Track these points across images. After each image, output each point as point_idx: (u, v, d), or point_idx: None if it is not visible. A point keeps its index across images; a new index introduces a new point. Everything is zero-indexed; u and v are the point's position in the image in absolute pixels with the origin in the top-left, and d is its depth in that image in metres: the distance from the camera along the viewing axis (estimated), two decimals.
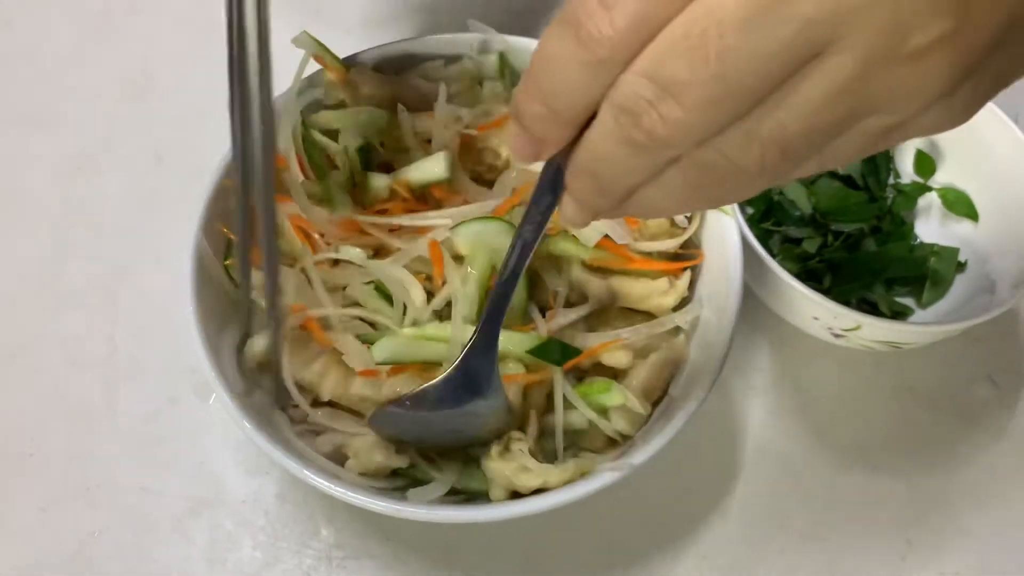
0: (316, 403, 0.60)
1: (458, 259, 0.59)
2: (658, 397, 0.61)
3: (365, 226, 0.62)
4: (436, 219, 0.61)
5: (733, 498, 0.66)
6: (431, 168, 0.63)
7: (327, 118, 0.65)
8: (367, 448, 0.56)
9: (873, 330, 0.62)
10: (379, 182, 0.63)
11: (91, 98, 0.85)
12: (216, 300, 0.61)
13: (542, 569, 0.64)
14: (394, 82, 0.68)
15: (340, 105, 0.67)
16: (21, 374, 0.71)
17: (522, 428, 0.57)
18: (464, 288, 0.58)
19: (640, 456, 0.54)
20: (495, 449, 0.55)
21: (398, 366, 0.57)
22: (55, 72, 0.87)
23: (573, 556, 0.64)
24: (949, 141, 0.73)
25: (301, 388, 0.59)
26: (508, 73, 0.70)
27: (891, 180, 0.75)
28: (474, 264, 0.58)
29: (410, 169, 0.64)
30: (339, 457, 0.58)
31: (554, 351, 0.56)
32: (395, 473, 0.58)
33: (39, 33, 0.90)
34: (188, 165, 0.80)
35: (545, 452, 0.59)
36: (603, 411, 0.58)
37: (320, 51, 0.65)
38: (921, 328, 0.62)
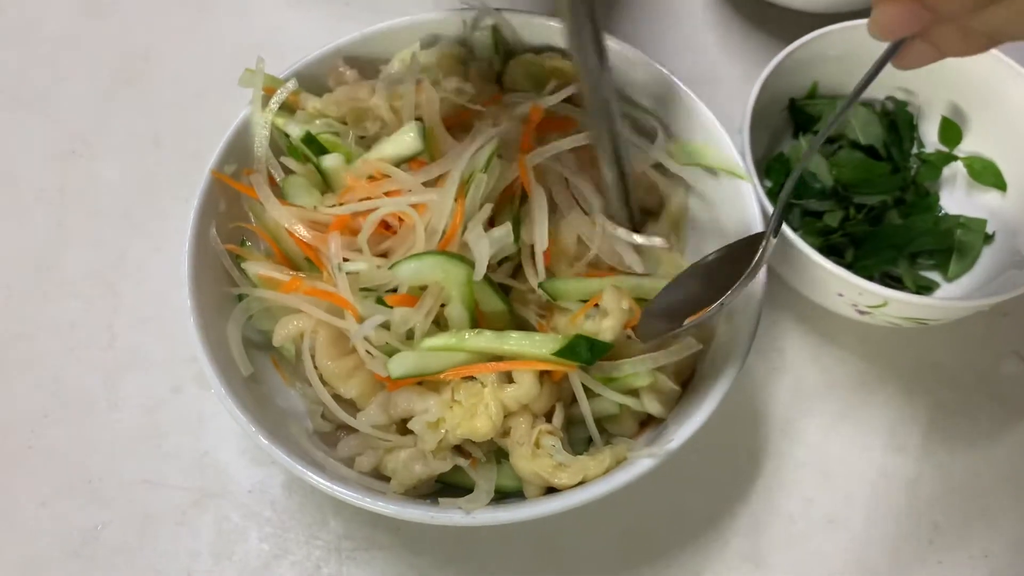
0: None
1: None
2: (687, 376, 0.59)
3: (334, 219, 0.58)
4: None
5: (756, 481, 0.64)
6: (403, 141, 0.60)
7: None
8: (404, 463, 0.54)
9: (899, 307, 0.60)
10: (329, 162, 0.61)
11: (86, 81, 0.83)
12: (215, 286, 0.59)
13: (557, 556, 0.62)
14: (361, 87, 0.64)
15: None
16: (19, 364, 0.69)
17: (548, 418, 0.55)
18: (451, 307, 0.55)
19: (677, 440, 0.52)
20: (523, 449, 0.53)
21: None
22: (49, 54, 0.85)
23: (590, 542, 0.62)
24: (975, 108, 0.70)
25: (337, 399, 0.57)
26: (502, 47, 0.67)
27: (915, 150, 0.72)
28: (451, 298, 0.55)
29: (383, 145, 0.60)
30: (381, 477, 0.56)
31: (582, 350, 0.53)
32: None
33: (32, 14, 0.87)
34: (184, 147, 0.78)
35: (573, 441, 0.57)
36: (633, 392, 0.56)
37: (269, 83, 0.62)
38: (949, 304, 0.60)
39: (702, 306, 0.53)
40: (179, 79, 0.83)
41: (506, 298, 0.57)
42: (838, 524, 0.63)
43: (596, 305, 0.56)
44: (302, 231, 0.58)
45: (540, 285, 0.57)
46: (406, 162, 0.60)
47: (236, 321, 0.58)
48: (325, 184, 0.62)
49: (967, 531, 0.63)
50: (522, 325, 0.59)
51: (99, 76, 0.83)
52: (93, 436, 0.66)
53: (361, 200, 0.58)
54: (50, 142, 0.79)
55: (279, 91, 0.61)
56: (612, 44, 0.65)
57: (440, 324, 0.56)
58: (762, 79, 0.66)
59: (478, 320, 0.57)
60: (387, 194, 0.58)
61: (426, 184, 0.58)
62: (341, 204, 0.60)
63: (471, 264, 0.54)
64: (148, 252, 0.73)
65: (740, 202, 0.61)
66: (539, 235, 0.57)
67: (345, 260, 0.56)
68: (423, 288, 0.55)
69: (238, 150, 0.62)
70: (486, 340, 0.54)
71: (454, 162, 0.57)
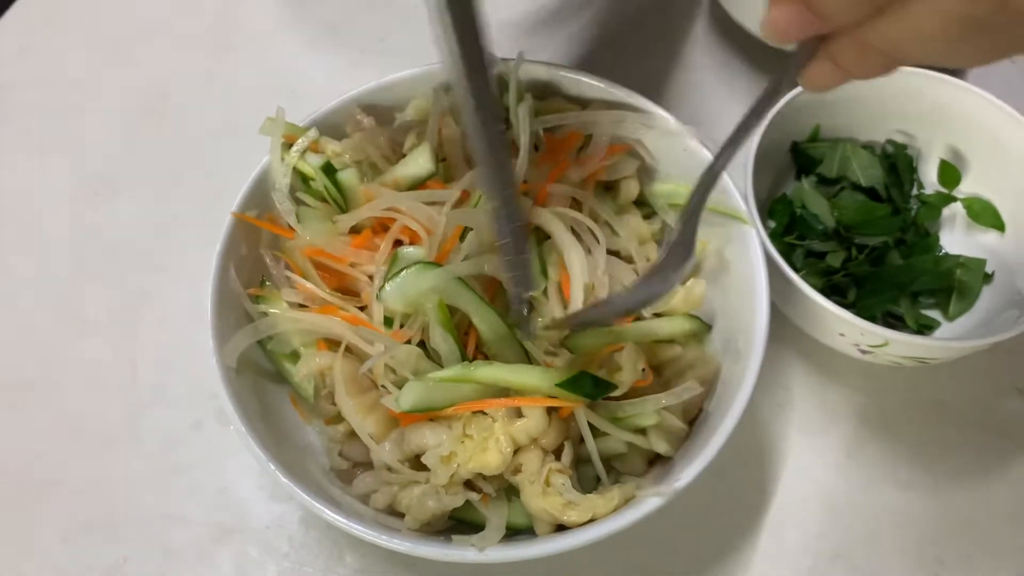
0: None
1: None
2: (694, 414, 0.61)
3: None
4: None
5: (763, 517, 0.66)
6: (417, 163, 0.63)
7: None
8: (418, 499, 0.55)
9: (900, 346, 0.61)
10: (346, 176, 0.64)
11: (107, 122, 0.86)
12: (237, 324, 0.61)
13: None
14: (377, 134, 0.67)
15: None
16: (42, 401, 0.71)
17: (558, 456, 0.57)
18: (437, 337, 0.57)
19: (684, 478, 0.53)
20: (534, 486, 0.54)
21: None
22: (71, 97, 0.87)
23: None
24: (973, 151, 0.72)
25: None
26: (506, 95, 0.69)
27: (915, 191, 0.74)
28: (427, 314, 0.57)
29: (395, 168, 0.64)
30: (396, 514, 0.58)
31: (586, 385, 0.54)
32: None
33: (54, 58, 0.90)
34: (205, 189, 0.80)
35: (582, 480, 0.58)
36: (640, 431, 0.57)
37: (289, 131, 0.65)
38: (949, 344, 0.61)
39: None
40: (199, 122, 0.85)
41: (501, 312, 0.59)
42: (844, 560, 0.64)
43: (610, 353, 0.58)
44: (340, 247, 0.61)
45: (562, 343, 0.58)
46: (420, 185, 0.63)
47: (249, 332, 0.60)
48: (342, 206, 0.64)
49: (972, 567, 0.64)
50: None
51: (121, 118, 0.86)
52: (115, 472, 0.67)
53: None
54: (73, 184, 0.82)
55: (301, 139, 0.64)
56: (618, 91, 0.67)
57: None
58: (765, 123, 0.68)
59: (480, 348, 0.59)
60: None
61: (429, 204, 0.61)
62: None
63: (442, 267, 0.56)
64: (169, 291, 0.75)
65: (744, 243, 0.62)
66: (577, 266, 0.60)
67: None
68: None
69: (258, 195, 0.64)
70: (491, 371, 0.55)
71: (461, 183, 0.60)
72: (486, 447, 0.54)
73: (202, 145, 0.84)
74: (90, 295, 0.76)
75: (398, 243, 0.61)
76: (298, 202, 0.64)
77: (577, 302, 0.59)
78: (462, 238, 0.59)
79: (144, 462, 0.68)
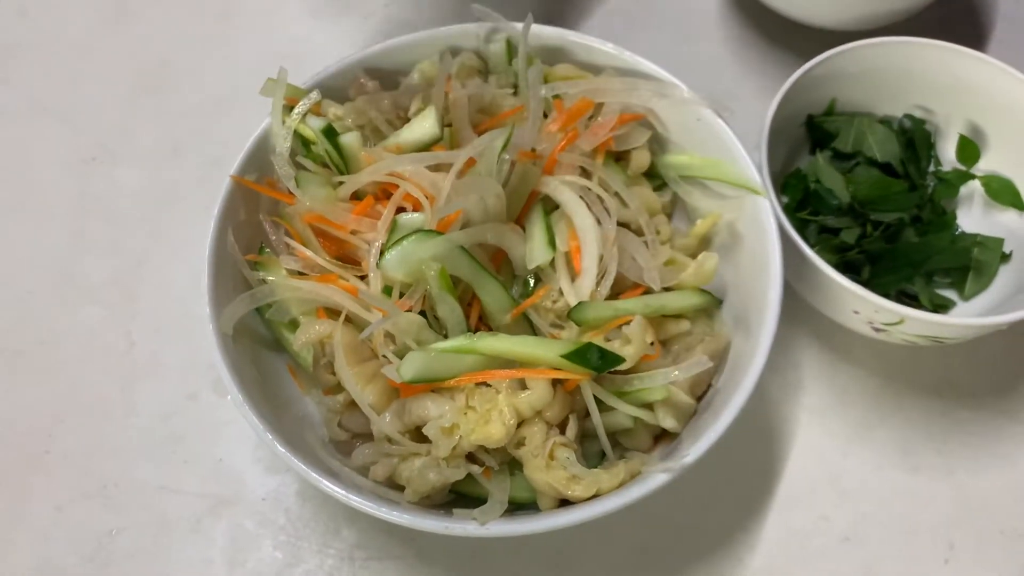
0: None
1: None
2: (702, 391, 0.59)
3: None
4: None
5: (770, 498, 0.64)
6: (422, 127, 0.61)
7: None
8: (419, 471, 0.54)
9: (915, 324, 0.60)
10: (348, 139, 0.61)
11: (107, 88, 0.84)
12: (234, 291, 0.59)
13: (570, 569, 0.62)
14: (380, 98, 0.65)
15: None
16: (37, 369, 0.69)
17: (562, 430, 0.55)
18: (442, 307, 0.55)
19: (692, 454, 0.52)
20: (537, 460, 0.53)
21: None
22: (70, 61, 0.86)
23: (603, 556, 0.62)
24: (994, 127, 0.70)
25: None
26: (515, 60, 0.67)
27: (932, 168, 0.72)
28: (429, 283, 0.55)
29: (399, 133, 0.62)
30: (395, 486, 0.56)
31: (592, 357, 0.53)
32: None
33: (54, 21, 0.88)
34: (205, 156, 0.79)
35: (588, 455, 0.57)
36: (647, 406, 0.56)
37: (291, 93, 0.63)
38: (966, 323, 0.59)
39: None
40: (199, 88, 0.84)
41: (505, 283, 0.57)
42: (853, 543, 0.63)
43: (618, 326, 0.56)
44: (340, 214, 0.59)
45: (568, 315, 0.56)
46: (424, 150, 0.61)
47: (246, 300, 0.58)
48: (343, 171, 0.62)
49: (982, 551, 0.63)
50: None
51: (120, 83, 0.84)
52: (110, 442, 0.66)
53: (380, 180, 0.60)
54: (71, 149, 0.80)
55: (303, 100, 0.62)
56: (630, 58, 0.66)
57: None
58: (780, 95, 0.66)
59: (483, 320, 0.58)
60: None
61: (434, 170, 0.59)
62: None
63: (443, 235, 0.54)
64: (167, 259, 0.74)
65: (757, 217, 0.61)
66: (590, 235, 0.57)
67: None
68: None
69: (258, 159, 0.62)
70: (495, 341, 0.54)
71: (467, 149, 0.58)
72: (489, 419, 0.53)
73: (202, 112, 0.82)
74: (87, 263, 0.74)
75: (401, 211, 0.60)
76: (298, 167, 0.63)
77: (589, 273, 0.57)
78: None
79: (139, 432, 0.67)
